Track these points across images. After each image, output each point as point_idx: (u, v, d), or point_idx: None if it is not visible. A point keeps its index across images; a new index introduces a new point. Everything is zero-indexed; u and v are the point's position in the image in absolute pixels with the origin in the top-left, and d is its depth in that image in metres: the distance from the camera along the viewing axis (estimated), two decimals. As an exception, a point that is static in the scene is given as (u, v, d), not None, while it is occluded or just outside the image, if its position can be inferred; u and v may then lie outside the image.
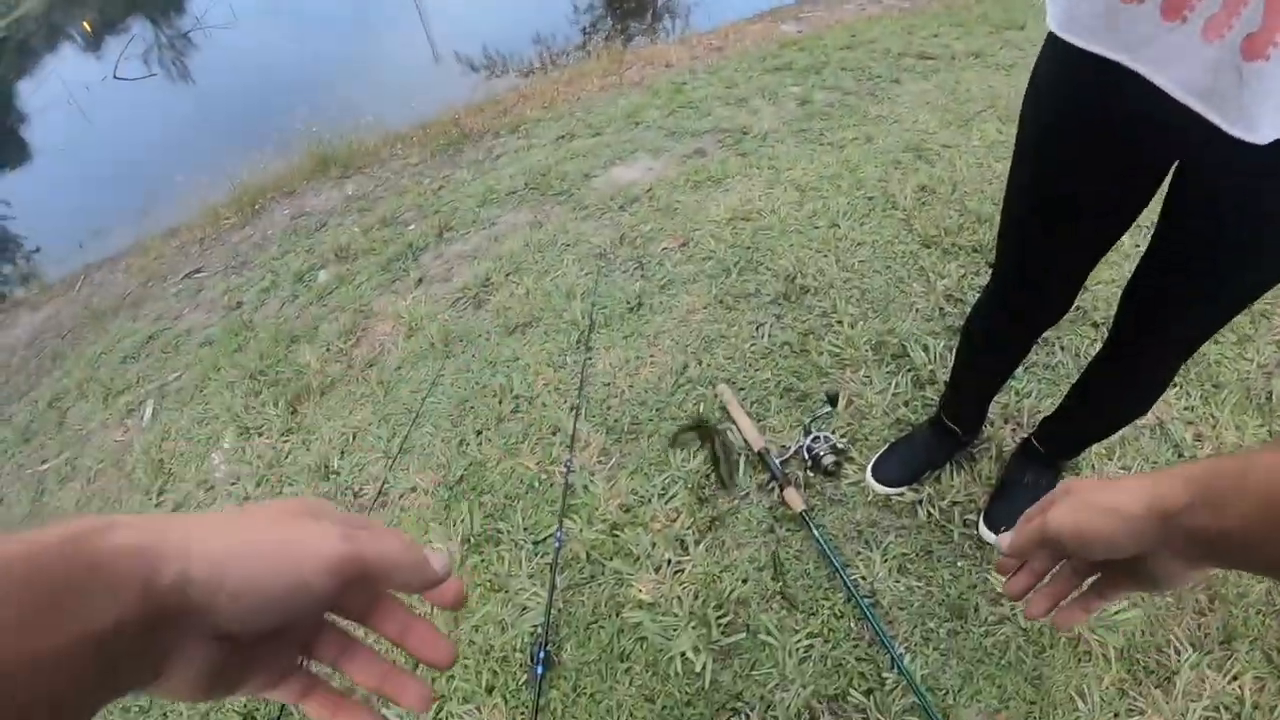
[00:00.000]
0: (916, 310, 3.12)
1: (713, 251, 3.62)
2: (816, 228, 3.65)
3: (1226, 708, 1.96)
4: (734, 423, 2.73)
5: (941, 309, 3.11)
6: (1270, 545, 0.57)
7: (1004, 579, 0.90)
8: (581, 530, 2.52)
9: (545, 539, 2.55)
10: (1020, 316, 1.95)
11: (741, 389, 2.89)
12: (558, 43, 9.75)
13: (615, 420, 2.89)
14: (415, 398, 3.25)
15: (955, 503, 2.43)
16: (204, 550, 0.44)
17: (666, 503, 2.56)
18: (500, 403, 3.09)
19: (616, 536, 2.49)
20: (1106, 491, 0.72)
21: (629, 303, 3.41)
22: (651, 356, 3.12)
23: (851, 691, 2.07)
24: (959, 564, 2.29)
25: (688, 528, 2.48)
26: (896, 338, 2.98)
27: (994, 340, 2.11)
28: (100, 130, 10.82)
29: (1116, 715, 1.97)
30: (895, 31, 6.25)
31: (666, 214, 4.03)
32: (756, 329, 3.13)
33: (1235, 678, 2.00)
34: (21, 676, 0.35)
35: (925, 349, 2.92)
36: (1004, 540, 0.85)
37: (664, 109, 5.43)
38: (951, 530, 2.37)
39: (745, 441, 2.66)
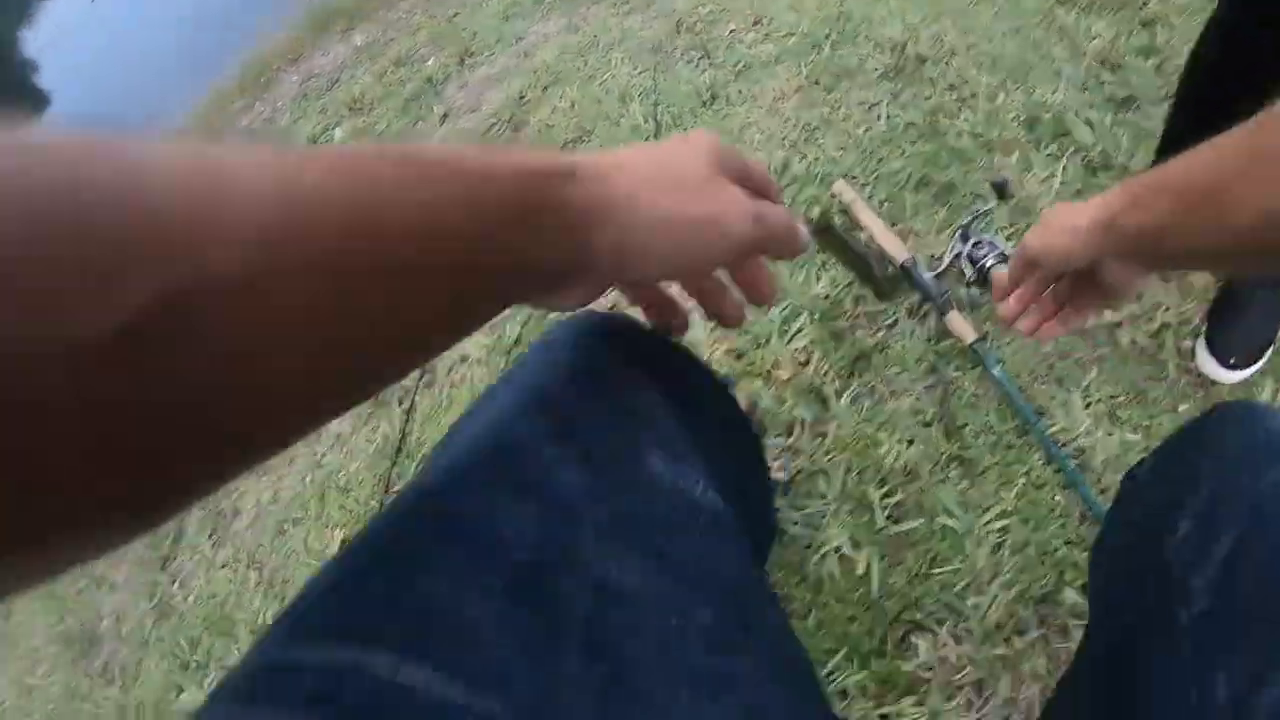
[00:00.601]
0: (1065, 79, 2.44)
1: (794, 26, 2.94)
2: (922, -12, 2.95)
3: None
4: (863, 229, 2.08)
5: (1098, 78, 2.43)
6: (1183, 236, 0.66)
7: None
8: (683, 391, 1.92)
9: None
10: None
11: (864, 185, 2.24)
12: None
13: (707, 239, 2.25)
14: (453, 251, 2.69)
15: (1165, 325, 1.78)
16: (643, 221, 0.51)
17: (789, 342, 1.95)
18: (556, 241, 2.49)
19: (731, 396, 1.89)
20: (1068, 211, 0.80)
21: (700, 96, 2.78)
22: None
23: (1066, 589, 1.47)
24: (1180, 408, 1.67)
25: (824, 375, 1.87)
26: (1050, 112, 2.32)
27: (1232, 87, 1.49)
28: (92, 56, 10.74)
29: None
30: None
31: (729, -7, 3.37)
32: (869, 110, 2.47)
33: None
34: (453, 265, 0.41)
35: (1090, 125, 2.26)
36: (997, 275, 1.06)
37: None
38: (1165, 362, 1.73)
39: (883, 253, 2.01)
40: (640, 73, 3.07)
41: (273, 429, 0.35)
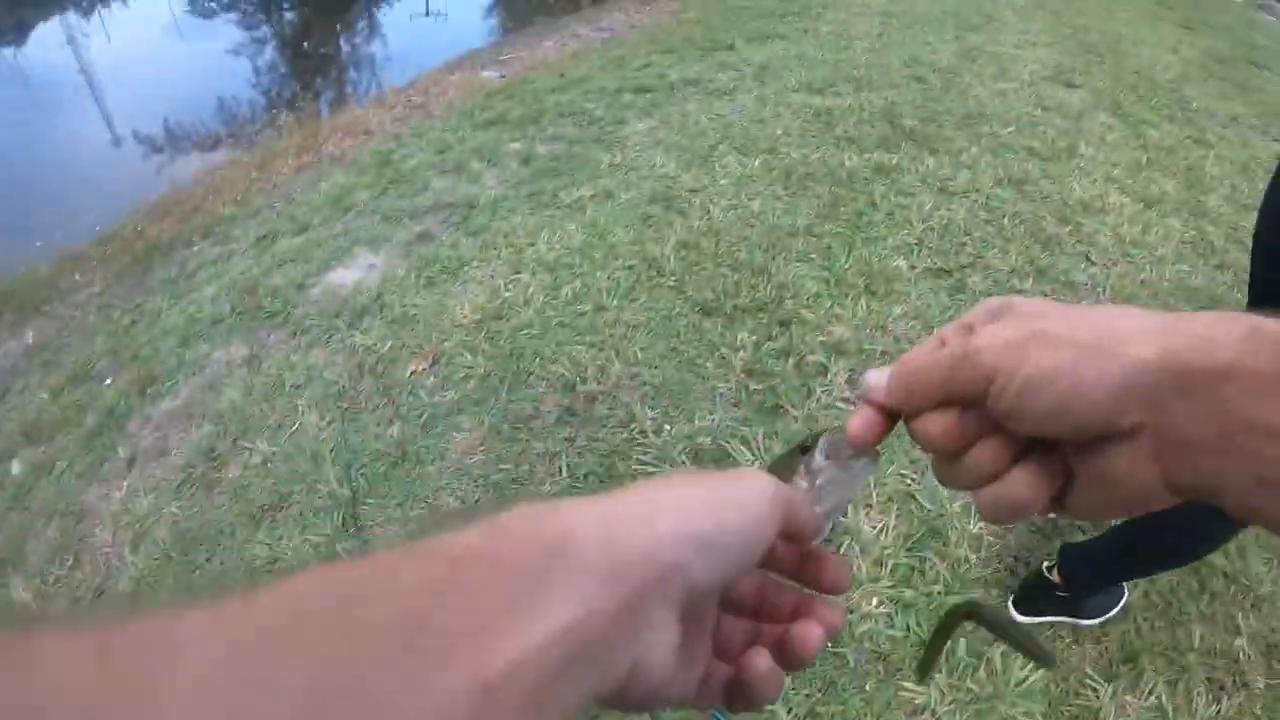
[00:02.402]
0: (720, 396, 2.78)
1: (470, 367, 3.12)
2: (581, 314, 3.24)
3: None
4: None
5: (747, 388, 2.78)
6: None
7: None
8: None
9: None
10: None
11: None
12: (242, 112, 8.91)
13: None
14: (162, 636, 2.52)
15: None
16: (664, 511, 0.43)
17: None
18: (269, 628, 2.41)
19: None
20: (1093, 318, 0.46)
21: (390, 455, 2.84)
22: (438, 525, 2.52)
23: None
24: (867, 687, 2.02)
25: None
26: (710, 437, 2.63)
27: None
28: None
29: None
30: (604, 66, 6.02)
31: (404, 325, 3.48)
32: (551, 461, 2.67)
33: (1150, 693, 2.05)
34: (501, 686, 0.33)
35: (745, 443, 2.58)
36: (874, 377, 0.55)
37: (374, 188, 4.84)
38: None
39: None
40: (329, 423, 3.08)
41: None
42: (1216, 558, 2.38)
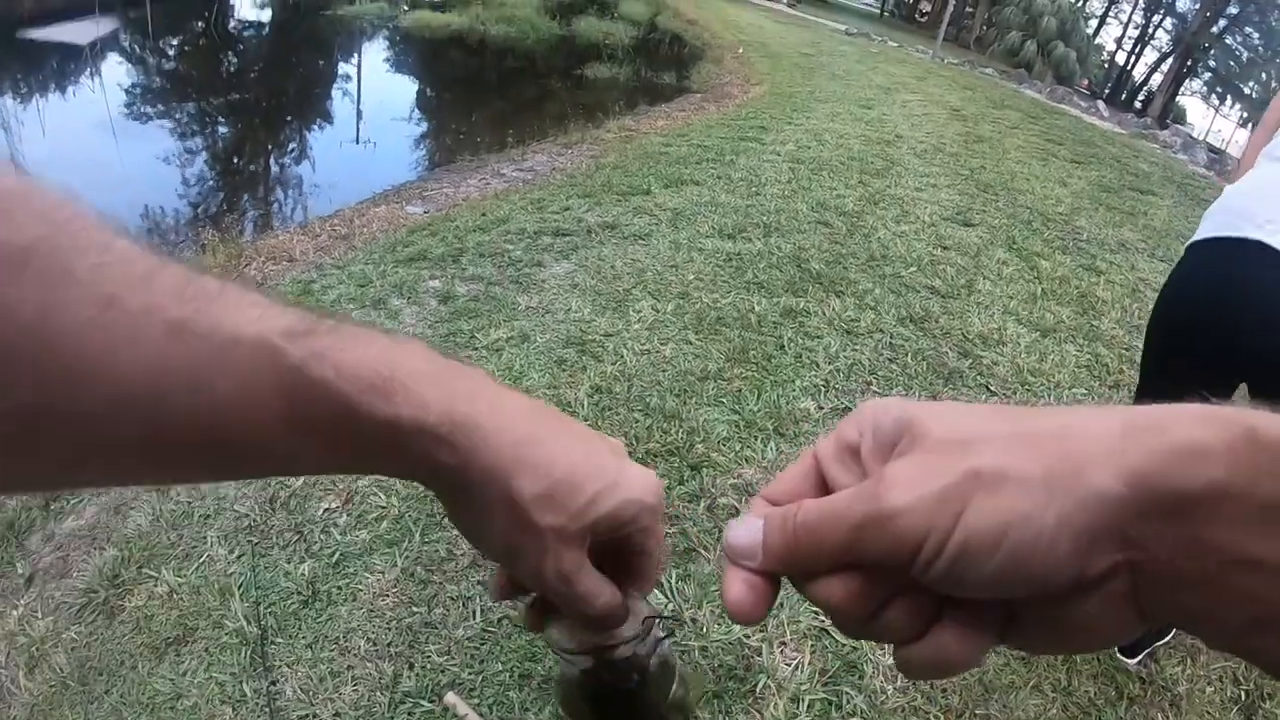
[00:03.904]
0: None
1: (384, 508, 3.13)
2: (496, 456, 3.27)
3: None
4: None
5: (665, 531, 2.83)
6: None
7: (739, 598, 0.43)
8: None
9: None
10: None
11: (472, 691, 2.43)
12: (167, 224, 8.74)
13: (331, 773, 2.28)
14: (55, 773, 2.40)
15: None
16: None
17: None
18: (172, 772, 2.31)
19: None
20: (1036, 437, 0.36)
21: (301, 593, 2.82)
22: (350, 667, 2.54)
23: None
24: None
25: None
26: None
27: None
28: None
29: None
30: (524, 208, 6.17)
31: (319, 461, 3.44)
32: (464, 606, 2.70)
33: None
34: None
35: (658, 586, 2.63)
36: (740, 536, 0.43)
37: (293, 317, 4.82)
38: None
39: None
40: (238, 557, 3.03)
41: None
42: (1130, 662, 2.59)
